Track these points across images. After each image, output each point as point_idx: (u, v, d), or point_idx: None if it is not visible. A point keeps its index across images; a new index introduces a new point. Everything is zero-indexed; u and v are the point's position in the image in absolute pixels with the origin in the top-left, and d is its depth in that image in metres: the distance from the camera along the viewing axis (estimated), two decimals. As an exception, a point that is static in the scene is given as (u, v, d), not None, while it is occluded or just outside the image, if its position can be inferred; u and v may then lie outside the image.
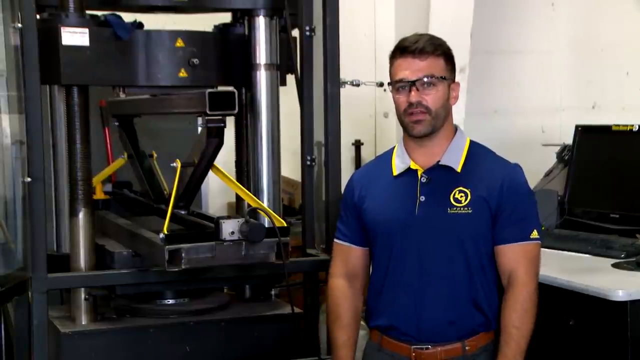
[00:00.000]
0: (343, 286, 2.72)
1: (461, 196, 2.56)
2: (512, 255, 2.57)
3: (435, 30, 4.37)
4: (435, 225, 2.57)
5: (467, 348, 2.57)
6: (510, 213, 2.56)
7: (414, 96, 2.54)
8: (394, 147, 2.72)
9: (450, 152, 2.62)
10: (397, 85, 2.58)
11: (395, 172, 2.66)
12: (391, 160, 2.69)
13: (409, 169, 2.64)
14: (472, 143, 2.68)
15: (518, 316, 2.53)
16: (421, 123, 2.56)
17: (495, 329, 2.60)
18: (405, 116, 2.58)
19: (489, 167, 2.62)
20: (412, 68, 2.55)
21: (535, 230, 2.59)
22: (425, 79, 2.54)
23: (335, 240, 2.77)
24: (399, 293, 2.60)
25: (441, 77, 2.57)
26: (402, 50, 2.57)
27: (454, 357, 2.57)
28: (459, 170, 2.60)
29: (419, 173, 2.61)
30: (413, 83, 2.54)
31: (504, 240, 2.58)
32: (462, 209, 2.56)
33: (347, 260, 2.74)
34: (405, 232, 2.59)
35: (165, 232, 2.74)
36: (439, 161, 2.61)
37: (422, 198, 2.59)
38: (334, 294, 2.72)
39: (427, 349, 2.58)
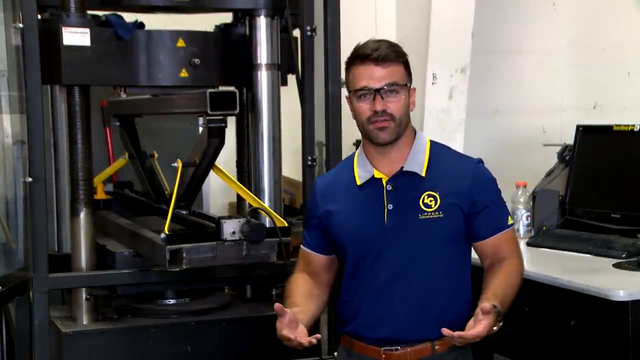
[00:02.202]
0: (299, 276, 2.72)
1: (430, 201, 2.55)
2: (494, 244, 2.58)
3: (436, 31, 4.39)
4: (407, 232, 2.54)
5: (436, 347, 2.55)
6: (485, 209, 2.56)
7: (379, 104, 2.51)
8: (354, 154, 2.69)
9: (412, 157, 2.60)
10: (359, 93, 2.54)
11: (359, 182, 2.62)
12: (353, 169, 2.66)
13: (372, 178, 2.60)
14: (432, 145, 2.65)
15: (501, 280, 2.52)
16: (385, 130, 2.53)
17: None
18: (368, 124, 2.54)
19: (454, 168, 2.60)
20: (375, 76, 2.51)
21: (508, 216, 2.62)
22: (389, 87, 2.52)
23: (301, 245, 2.77)
24: (371, 300, 2.58)
25: (403, 84, 2.55)
26: (363, 57, 2.53)
27: (424, 357, 2.55)
28: (423, 174, 2.57)
29: (384, 181, 2.59)
30: (377, 91, 2.51)
31: (485, 234, 2.58)
32: (432, 213, 2.54)
33: (309, 264, 2.74)
34: (377, 242, 2.56)
35: (166, 232, 2.75)
36: (402, 167, 2.58)
37: (390, 206, 2.56)
38: (289, 283, 2.72)
39: (396, 349, 2.56)
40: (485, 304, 2.35)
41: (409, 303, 2.55)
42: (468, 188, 2.56)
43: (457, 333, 2.34)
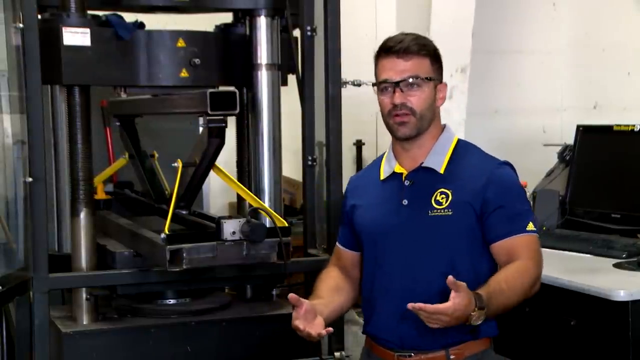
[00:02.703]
0: (329, 270, 2.73)
1: (442, 198, 2.50)
2: (507, 247, 2.48)
3: (436, 31, 4.39)
4: (416, 229, 2.51)
5: (451, 357, 2.49)
6: (500, 211, 2.47)
7: (397, 97, 2.49)
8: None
9: (433, 154, 2.57)
10: (381, 86, 2.53)
11: (382, 176, 2.62)
12: (381, 164, 2.66)
13: (394, 173, 2.60)
14: (459, 143, 2.61)
15: (500, 276, 2.41)
16: (406, 125, 2.51)
17: (484, 338, 2.52)
18: (389, 118, 2.53)
19: (473, 167, 2.55)
20: (396, 69, 2.50)
21: (530, 222, 2.50)
22: (410, 80, 2.49)
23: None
24: (383, 300, 2.56)
25: (426, 78, 2.51)
26: (386, 50, 2.52)
27: None
28: (441, 171, 2.54)
29: (403, 176, 2.58)
30: (397, 84, 2.49)
31: (497, 236, 2.49)
32: (442, 211, 2.49)
33: (340, 259, 2.76)
34: (389, 237, 2.55)
35: (167, 232, 2.74)
36: (422, 163, 2.56)
37: (405, 202, 2.54)
38: (319, 276, 2.72)
39: (409, 356, 2.52)
40: (450, 277, 2.24)
41: (419, 303, 2.44)
42: (482, 187, 2.49)
43: (417, 304, 2.24)
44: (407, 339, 2.51)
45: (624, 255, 3.31)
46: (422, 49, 2.52)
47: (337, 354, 3.09)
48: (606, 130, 3.87)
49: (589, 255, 3.41)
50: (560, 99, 4.91)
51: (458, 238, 2.50)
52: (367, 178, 2.72)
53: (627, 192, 3.69)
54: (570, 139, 4.07)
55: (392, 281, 2.54)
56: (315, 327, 2.42)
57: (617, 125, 3.80)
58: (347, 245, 2.74)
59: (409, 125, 2.52)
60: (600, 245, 3.45)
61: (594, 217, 3.76)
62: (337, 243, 2.79)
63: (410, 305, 2.26)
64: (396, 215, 2.54)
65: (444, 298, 2.29)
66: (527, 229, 2.49)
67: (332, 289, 2.66)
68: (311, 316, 2.45)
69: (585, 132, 3.97)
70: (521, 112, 4.84)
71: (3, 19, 3.04)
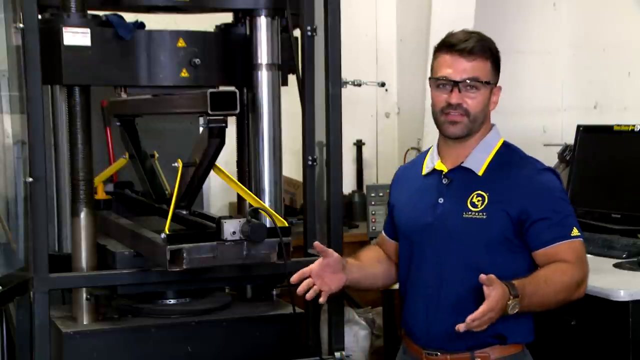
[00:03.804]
0: (373, 247, 2.79)
1: (478, 200, 2.47)
2: (552, 254, 2.43)
3: (436, 30, 4.40)
4: (450, 229, 2.49)
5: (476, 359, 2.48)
6: (543, 221, 2.43)
7: (455, 97, 2.46)
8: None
9: (475, 154, 2.53)
10: (438, 82, 2.49)
11: (424, 172, 2.61)
12: (425, 158, 2.64)
13: (434, 169, 2.58)
14: (503, 145, 2.58)
15: (539, 273, 2.39)
16: (457, 125, 2.48)
17: (513, 344, 2.50)
18: (441, 115, 2.50)
19: (514, 171, 2.51)
20: (458, 68, 2.46)
21: (574, 228, 2.46)
22: (469, 82, 2.45)
23: None
24: (416, 297, 2.56)
25: (486, 82, 2.47)
26: (450, 46, 2.48)
27: None
28: (480, 173, 2.51)
29: (443, 174, 2.55)
30: (456, 83, 2.45)
31: (541, 244, 2.44)
32: (477, 213, 2.46)
33: (382, 246, 2.78)
34: (422, 234, 2.53)
35: (167, 232, 2.74)
36: (462, 163, 2.54)
37: (441, 200, 2.52)
38: (361, 249, 2.78)
39: (436, 355, 2.52)
40: (482, 275, 2.25)
41: (444, 305, 2.47)
42: (521, 195, 2.45)
43: (468, 318, 2.22)
44: (434, 338, 2.51)
45: (624, 255, 3.32)
46: (486, 51, 2.48)
47: (337, 354, 3.09)
48: (606, 130, 3.87)
49: (589, 255, 3.40)
50: (560, 99, 4.91)
51: (490, 243, 2.46)
52: (411, 170, 2.70)
53: (627, 192, 3.69)
54: (570, 139, 4.07)
55: (422, 279, 2.53)
56: (329, 282, 2.43)
57: (617, 125, 3.80)
58: (389, 234, 2.76)
59: (460, 125, 2.49)
60: (600, 245, 3.45)
61: (595, 217, 3.76)
62: (382, 231, 2.81)
63: (461, 327, 2.24)
64: (431, 213, 2.53)
65: (470, 300, 2.32)
66: (572, 234, 2.46)
67: (373, 258, 2.68)
68: (330, 271, 2.44)
69: (585, 132, 3.97)
70: (521, 111, 4.84)
71: (3, 19, 3.04)
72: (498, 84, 2.55)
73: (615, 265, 3.24)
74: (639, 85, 4.38)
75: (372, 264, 2.67)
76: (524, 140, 4.67)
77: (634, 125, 3.71)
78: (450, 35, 2.52)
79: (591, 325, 2.98)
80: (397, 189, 2.72)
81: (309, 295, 2.47)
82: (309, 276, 2.46)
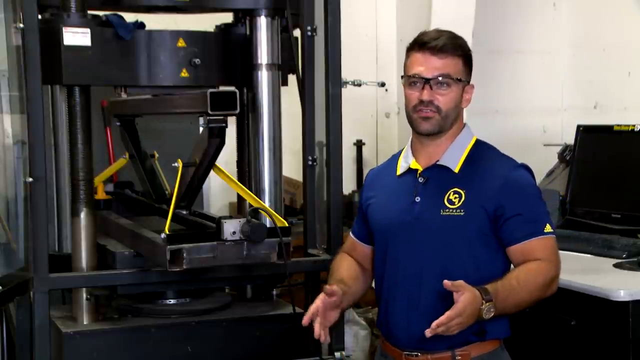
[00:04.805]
0: (344, 257, 2.76)
1: (455, 197, 2.49)
2: (524, 250, 2.46)
3: (436, 30, 4.40)
4: (427, 227, 2.50)
5: (457, 358, 2.49)
6: (516, 214, 2.46)
7: (426, 94, 2.49)
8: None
9: (450, 152, 2.56)
10: (410, 79, 2.53)
11: (399, 172, 2.63)
12: (399, 159, 2.67)
13: (409, 169, 2.60)
14: (477, 143, 2.61)
15: (512, 274, 2.43)
16: (429, 121, 2.51)
17: (491, 340, 2.51)
18: (413, 112, 2.53)
19: (489, 169, 2.54)
20: (429, 65, 2.49)
21: (547, 224, 2.49)
22: (441, 79, 2.49)
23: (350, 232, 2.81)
24: (393, 298, 2.56)
25: (457, 79, 2.51)
26: (421, 44, 2.51)
27: None
28: (456, 170, 2.54)
29: (418, 173, 2.57)
30: (427, 81, 2.49)
31: (514, 240, 2.47)
32: (454, 210, 2.48)
33: (353, 252, 2.77)
34: (399, 234, 2.54)
35: (167, 232, 2.74)
36: (437, 161, 2.56)
37: (418, 199, 2.54)
38: (334, 261, 2.76)
39: (416, 356, 2.52)
40: (446, 280, 2.28)
41: (422, 304, 2.49)
42: (497, 191, 2.47)
43: (433, 323, 2.26)
44: (413, 338, 2.51)
45: (624, 255, 3.32)
46: (458, 49, 2.52)
47: (337, 354, 3.09)
48: (606, 130, 3.88)
49: (589, 256, 3.41)
50: (560, 99, 4.92)
51: (468, 239, 2.48)
52: (385, 172, 2.72)
53: (627, 192, 3.70)
54: (570, 139, 4.07)
55: (400, 279, 2.54)
56: (329, 318, 2.49)
57: (617, 125, 3.80)
58: (361, 238, 2.75)
59: (432, 121, 2.52)
60: (600, 245, 3.45)
61: (595, 217, 3.76)
62: (350, 233, 2.79)
63: (428, 332, 2.28)
64: (408, 212, 2.54)
65: (450, 298, 2.30)
66: (545, 231, 2.49)
67: (353, 277, 2.67)
68: (330, 307, 2.49)
69: (585, 132, 3.97)
70: (521, 112, 4.85)
71: (3, 19, 3.04)
72: (471, 83, 2.59)
73: (615, 265, 3.24)
74: (639, 85, 4.38)
75: (355, 283, 2.67)
76: (524, 140, 4.71)
77: (634, 125, 3.71)
78: (422, 34, 2.55)
79: (591, 325, 2.98)
80: (370, 191, 2.72)
81: (317, 334, 2.50)
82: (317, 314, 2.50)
